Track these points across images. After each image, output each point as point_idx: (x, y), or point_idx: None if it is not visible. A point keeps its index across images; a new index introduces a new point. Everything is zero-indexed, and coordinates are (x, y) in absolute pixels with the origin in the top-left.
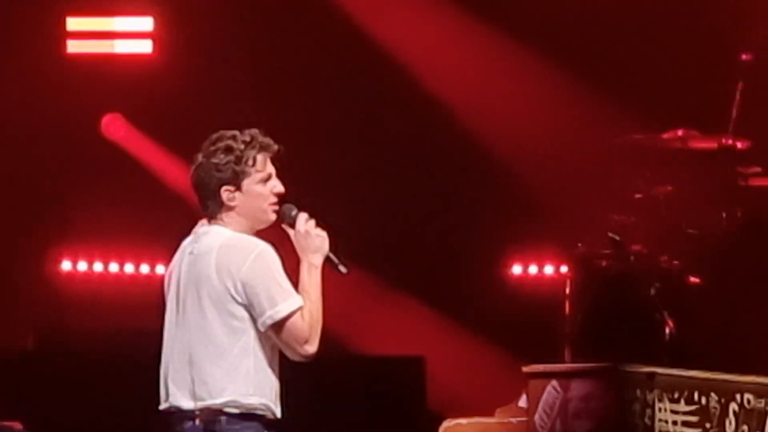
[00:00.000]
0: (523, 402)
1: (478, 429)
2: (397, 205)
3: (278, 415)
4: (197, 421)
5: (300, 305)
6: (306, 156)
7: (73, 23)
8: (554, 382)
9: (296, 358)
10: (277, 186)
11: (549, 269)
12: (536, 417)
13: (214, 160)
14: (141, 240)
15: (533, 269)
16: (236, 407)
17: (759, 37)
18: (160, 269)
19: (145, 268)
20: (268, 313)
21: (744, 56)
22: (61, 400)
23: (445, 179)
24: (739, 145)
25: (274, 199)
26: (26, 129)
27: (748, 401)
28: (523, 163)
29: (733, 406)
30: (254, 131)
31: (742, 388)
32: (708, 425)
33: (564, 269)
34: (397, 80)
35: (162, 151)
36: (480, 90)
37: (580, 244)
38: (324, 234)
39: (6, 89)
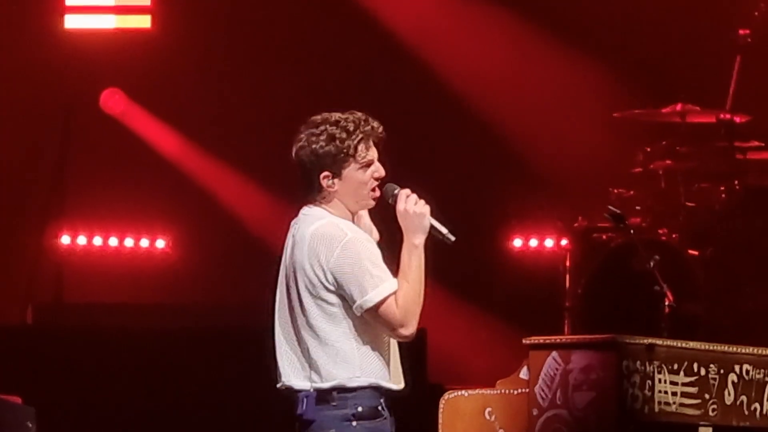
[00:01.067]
0: (524, 374)
1: (479, 400)
2: (396, 179)
3: (395, 387)
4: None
5: (391, 291)
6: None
7: None
8: (555, 354)
9: (396, 339)
10: (378, 170)
11: (549, 242)
12: (537, 388)
13: (315, 146)
14: (141, 214)
15: (534, 242)
16: (344, 390)
17: (757, 12)
18: (159, 243)
19: (144, 242)
20: (358, 302)
21: (742, 31)
22: (59, 375)
23: (446, 153)
24: (737, 119)
25: (374, 184)
26: (25, 104)
27: (747, 372)
28: (523, 138)
29: (732, 377)
30: (357, 117)
31: (741, 359)
32: (707, 396)
33: (564, 242)
34: (396, 53)
35: (160, 125)
36: (481, 65)
37: (580, 218)
38: (424, 210)
39: (5, 64)
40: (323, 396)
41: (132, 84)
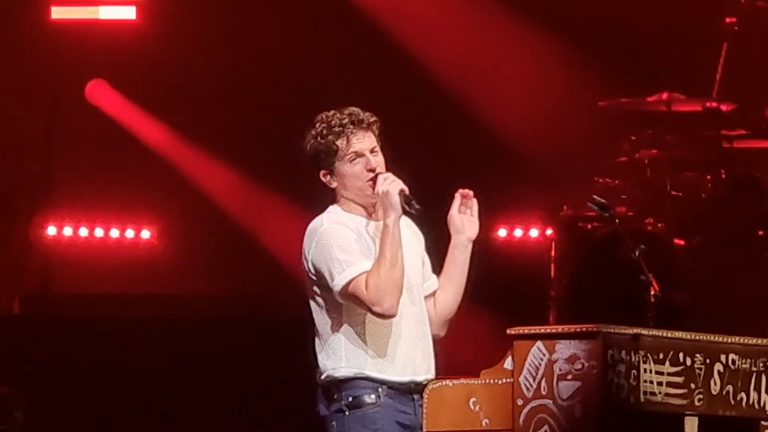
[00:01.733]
0: (508, 364)
1: (464, 390)
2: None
3: (389, 379)
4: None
5: (357, 273)
6: (296, 122)
7: None
8: (539, 344)
9: (377, 318)
10: (369, 162)
11: (534, 232)
12: (521, 378)
13: (307, 146)
14: (126, 205)
15: (519, 232)
16: (332, 382)
17: (743, 0)
18: (145, 234)
19: (130, 233)
20: (332, 287)
21: (728, 19)
22: (46, 365)
23: (430, 142)
24: (723, 107)
25: (369, 176)
26: (10, 94)
27: (733, 362)
28: (508, 126)
29: (718, 367)
30: (341, 111)
31: (727, 349)
32: (693, 386)
33: (549, 232)
34: (381, 42)
35: (146, 116)
36: (466, 53)
37: (565, 207)
38: (390, 188)
39: None
40: (327, 390)
41: (117, 75)
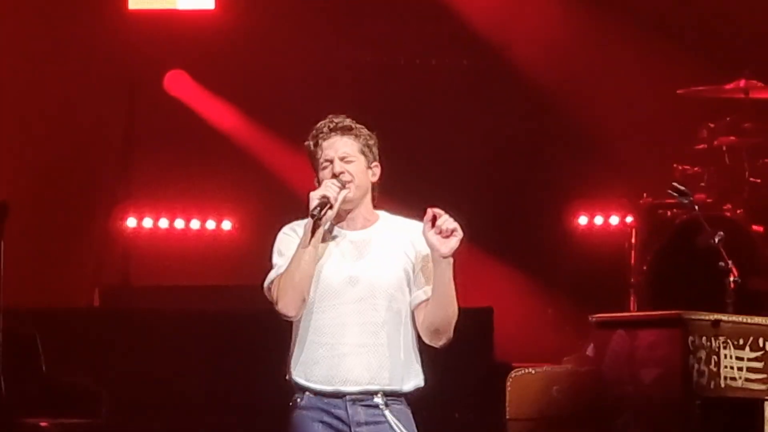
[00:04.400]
0: (590, 351)
1: (546, 377)
2: (462, 159)
3: (310, 386)
4: None
5: (275, 276)
6: (372, 111)
7: None
8: (621, 331)
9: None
10: (333, 167)
11: (615, 220)
12: (604, 365)
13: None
14: (206, 196)
15: (599, 220)
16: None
17: None
18: (226, 225)
19: (211, 224)
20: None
21: None
22: (126, 357)
23: (511, 132)
24: None
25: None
26: (89, 86)
27: None
28: (588, 115)
29: None
30: (327, 119)
31: None
32: None
33: (629, 219)
34: (459, 32)
35: (225, 106)
36: (547, 41)
37: (645, 195)
38: (312, 194)
39: (70, 47)
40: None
41: (196, 65)
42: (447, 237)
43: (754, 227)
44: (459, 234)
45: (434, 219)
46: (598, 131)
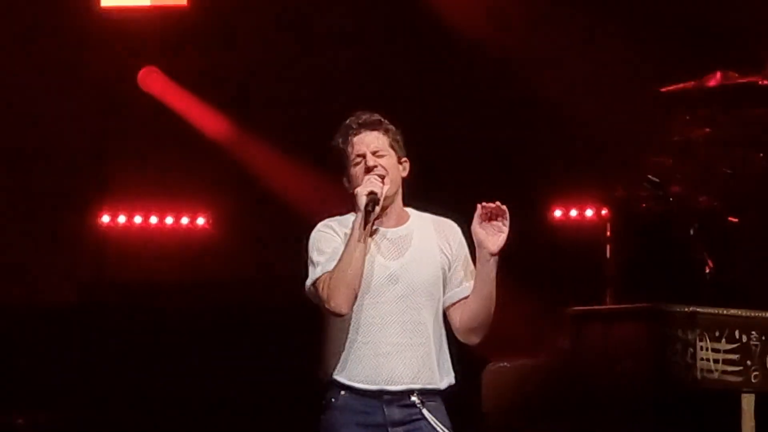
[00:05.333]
0: (565, 344)
1: (522, 370)
2: (437, 149)
3: (354, 385)
4: None
5: (321, 273)
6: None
7: None
8: (597, 324)
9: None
10: (367, 162)
11: (589, 212)
12: (579, 358)
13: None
14: (181, 192)
15: (574, 213)
16: (320, 384)
17: None
18: (200, 221)
19: (185, 220)
20: (305, 288)
21: None
22: (103, 351)
23: (487, 124)
24: None
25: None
26: (63, 83)
27: None
28: (563, 107)
29: None
30: (352, 115)
31: None
32: (749, 362)
33: (604, 212)
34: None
35: (198, 102)
36: (523, 34)
37: (619, 187)
38: (359, 189)
39: (44, 44)
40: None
41: (169, 62)
42: (495, 233)
43: (730, 218)
44: (506, 230)
45: (485, 215)
46: (573, 124)
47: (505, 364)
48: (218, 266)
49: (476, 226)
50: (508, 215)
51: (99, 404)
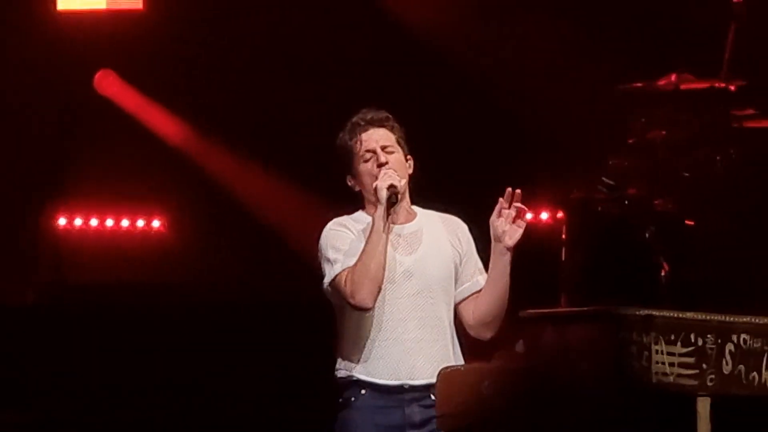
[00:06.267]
0: (520, 347)
1: (476, 373)
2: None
3: (376, 381)
4: None
5: (341, 269)
6: (302, 108)
7: None
8: (551, 327)
9: (356, 310)
10: (379, 158)
11: (545, 215)
12: (534, 361)
13: (336, 154)
14: (136, 194)
15: (528, 215)
16: (336, 382)
17: None
18: (155, 223)
19: (140, 222)
20: (324, 285)
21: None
22: (60, 354)
23: (440, 125)
24: (732, 87)
25: (378, 171)
26: (19, 87)
27: (745, 341)
28: (516, 108)
29: (730, 347)
30: (359, 112)
31: (739, 329)
32: (704, 366)
33: (560, 215)
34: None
35: (154, 105)
36: (476, 33)
37: (575, 190)
38: (380, 183)
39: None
40: (335, 390)
41: (125, 65)
42: (514, 222)
43: (687, 221)
44: (524, 225)
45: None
46: (528, 125)
47: (460, 366)
48: (173, 268)
49: (495, 219)
50: (526, 212)
51: (55, 406)
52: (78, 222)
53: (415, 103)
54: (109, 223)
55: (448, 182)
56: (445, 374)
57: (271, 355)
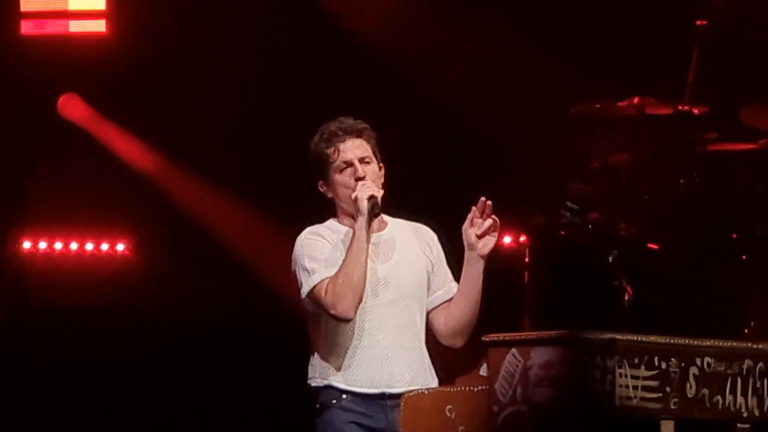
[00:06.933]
0: (483, 371)
1: (440, 398)
2: None
3: (353, 390)
4: None
5: (319, 280)
6: (267, 131)
7: (27, 3)
8: (514, 350)
9: (337, 320)
10: (357, 171)
11: (507, 239)
12: (497, 385)
13: (308, 157)
14: (100, 218)
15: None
16: (311, 391)
17: (714, 2)
18: (120, 247)
19: (105, 246)
20: (301, 295)
21: (699, 22)
22: (23, 379)
23: (402, 149)
24: (695, 111)
25: (355, 184)
26: None
27: (708, 365)
28: (478, 132)
29: (694, 370)
30: (335, 121)
31: (702, 352)
32: (668, 389)
33: (522, 239)
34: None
35: (118, 129)
36: (435, 56)
37: (538, 214)
38: (359, 193)
39: None
40: (311, 398)
41: (89, 89)
42: (484, 235)
43: (650, 245)
44: (496, 233)
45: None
46: (489, 148)
47: (423, 390)
48: (138, 292)
49: (467, 228)
50: (498, 222)
51: (22, 428)
52: (42, 245)
53: (376, 124)
54: (74, 246)
55: (410, 209)
56: (410, 398)
57: (236, 377)
